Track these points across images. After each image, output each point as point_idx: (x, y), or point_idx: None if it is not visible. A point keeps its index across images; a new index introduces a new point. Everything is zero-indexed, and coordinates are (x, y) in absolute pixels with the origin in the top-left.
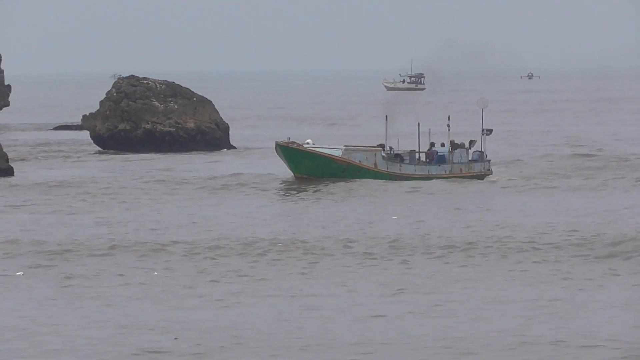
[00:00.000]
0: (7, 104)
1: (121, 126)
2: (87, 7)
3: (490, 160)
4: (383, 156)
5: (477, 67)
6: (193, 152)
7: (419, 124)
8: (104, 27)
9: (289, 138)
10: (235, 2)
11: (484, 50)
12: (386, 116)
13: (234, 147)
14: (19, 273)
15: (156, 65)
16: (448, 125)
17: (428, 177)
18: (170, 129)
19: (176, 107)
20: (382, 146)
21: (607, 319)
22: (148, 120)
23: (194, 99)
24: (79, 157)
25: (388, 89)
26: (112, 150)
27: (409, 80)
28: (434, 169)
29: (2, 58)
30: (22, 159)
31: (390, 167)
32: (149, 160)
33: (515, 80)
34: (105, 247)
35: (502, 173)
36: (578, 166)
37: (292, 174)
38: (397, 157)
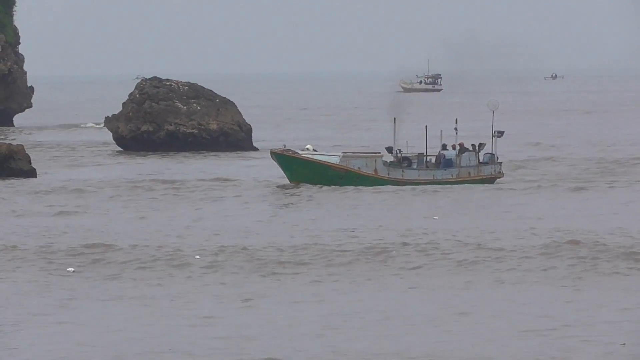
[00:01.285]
0: (29, 106)
1: (144, 128)
2: (110, 8)
3: (501, 162)
4: (384, 162)
5: (498, 68)
6: (217, 153)
7: (426, 126)
8: (127, 29)
9: (285, 145)
10: (258, 6)
11: (503, 49)
12: (394, 118)
13: (256, 149)
14: (70, 269)
15: (179, 67)
16: (456, 129)
17: (433, 182)
18: (193, 130)
19: (199, 108)
20: (390, 149)
21: None
22: (171, 121)
23: (217, 100)
24: (101, 158)
25: (405, 89)
26: (133, 152)
27: (426, 81)
28: (440, 174)
29: (25, 59)
30: (45, 160)
31: (392, 173)
32: (170, 160)
33: (539, 81)
34: (170, 250)
35: (519, 175)
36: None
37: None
38: (405, 161)
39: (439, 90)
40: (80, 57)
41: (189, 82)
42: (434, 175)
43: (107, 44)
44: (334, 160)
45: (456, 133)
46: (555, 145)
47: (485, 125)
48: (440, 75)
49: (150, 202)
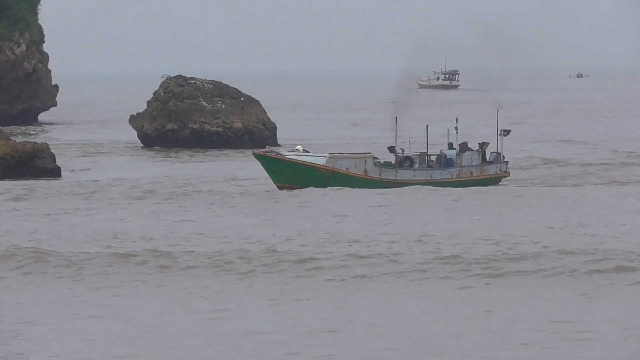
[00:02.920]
0: (54, 104)
1: (168, 126)
2: (135, 7)
3: (508, 162)
4: (375, 162)
5: (518, 65)
6: (243, 150)
7: (427, 126)
8: (152, 27)
9: (267, 147)
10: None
11: (524, 46)
12: (396, 117)
13: (280, 147)
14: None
15: (203, 65)
16: (456, 128)
17: (429, 183)
18: (217, 128)
19: (224, 106)
20: (392, 148)
21: None
22: (195, 120)
23: (242, 98)
24: (126, 156)
25: (421, 86)
26: (158, 150)
27: (443, 78)
28: (438, 174)
29: (50, 58)
30: (69, 159)
31: (384, 173)
32: (195, 158)
33: (563, 79)
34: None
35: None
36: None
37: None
38: (407, 160)
39: (456, 87)
40: (105, 56)
41: (213, 80)
42: (431, 176)
43: (132, 43)
44: (321, 161)
45: (456, 132)
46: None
47: (504, 123)
48: (457, 71)
49: (179, 203)
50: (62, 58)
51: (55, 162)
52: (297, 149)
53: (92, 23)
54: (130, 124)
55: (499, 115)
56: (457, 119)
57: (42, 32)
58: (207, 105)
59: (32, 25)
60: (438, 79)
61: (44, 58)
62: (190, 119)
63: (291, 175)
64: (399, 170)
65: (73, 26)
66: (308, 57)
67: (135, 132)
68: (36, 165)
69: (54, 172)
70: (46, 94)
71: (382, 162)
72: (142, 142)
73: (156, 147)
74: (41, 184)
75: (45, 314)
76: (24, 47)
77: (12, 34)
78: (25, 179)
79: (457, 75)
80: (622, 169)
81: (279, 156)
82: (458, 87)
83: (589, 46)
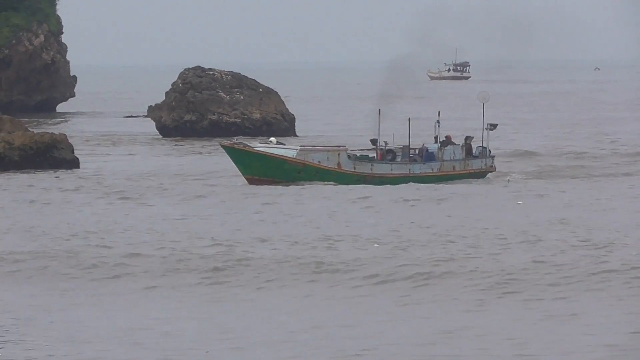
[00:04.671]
0: (73, 95)
1: (187, 117)
2: None
3: (494, 156)
4: (349, 155)
5: (532, 56)
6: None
7: (409, 119)
8: (169, 18)
9: (236, 139)
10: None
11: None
12: (379, 110)
13: (297, 137)
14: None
15: (222, 56)
16: (438, 122)
17: (408, 177)
18: (236, 119)
19: (242, 98)
20: (375, 141)
21: None
22: (214, 111)
23: (260, 89)
24: (144, 147)
25: (432, 78)
26: (176, 141)
27: (453, 69)
28: (418, 167)
29: (68, 48)
30: (87, 150)
31: (359, 167)
32: (213, 149)
33: (588, 71)
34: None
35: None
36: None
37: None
38: (390, 153)
39: (467, 78)
40: (124, 47)
41: (232, 71)
42: (410, 170)
43: (151, 33)
44: (291, 153)
45: (438, 126)
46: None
47: (510, 114)
48: (468, 63)
49: (203, 196)
50: (80, 49)
51: (73, 153)
52: (271, 141)
53: (111, 14)
54: (148, 115)
55: (484, 108)
56: (439, 112)
57: (61, 22)
58: (225, 96)
59: (50, 16)
60: (449, 70)
61: (62, 49)
62: (209, 110)
63: (260, 167)
64: (376, 163)
65: (92, 17)
66: (331, 48)
67: (154, 123)
68: (54, 156)
69: (72, 163)
70: (64, 85)
71: (357, 155)
72: (160, 133)
73: (174, 138)
74: (60, 175)
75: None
76: (42, 38)
77: (31, 25)
78: (43, 170)
79: (468, 67)
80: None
81: (247, 148)
82: (469, 79)
83: (591, 39)
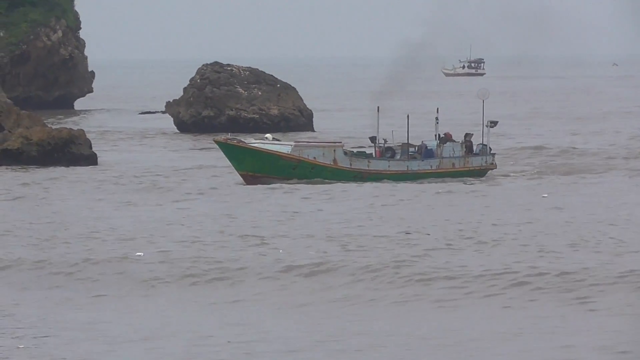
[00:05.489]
0: (90, 90)
1: (205, 113)
2: None
3: (495, 154)
4: (345, 152)
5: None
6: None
7: (408, 115)
8: (188, 13)
9: (229, 134)
10: None
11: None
12: (377, 107)
13: (314, 132)
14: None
15: (240, 51)
16: (436, 119)
17: (406, 174)
18: (254, 115)
19: (260, 93)
20: (374, 139)
21: None
22: (232, 106)
23: (278, 85)
24: (162, 143)
25: (447, 75)
26: (195, 133)
27: (468, 66)
28: (416, 164)
29: (86, 44)
30: (105, 146)
31: (355, 163)
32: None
33: (604, 67)
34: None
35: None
36: None
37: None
38: (389, 151)
39: (481, 75)
40: (141, 42)
41: (249, 67)
42: (408, 167)
43: (168, 29)
44: (286, 149)
45: (437, 123)
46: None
47: (526, 109)
48: (482, 59)
49: (226, 193)
50: (98, 44)
51: (91, 148)
52: (266, 137)
53: (129, 9)
54: (166, 110)
55: (484, 105)
56: (437, 109)
57: (79, 18)
58: (243, 92)
59: (68, 12)
60: (463, 67)
61: (80, 44)
62: (227, 105)
63: (254, 163)
64: (373, 160)
65: (110, 12)
66: (348, 43)
67: (172, 119)
68: (72, 151)
69: (90, 159)
70: (82, 81)
71: (354, 151)
72: (178, 129)
73: (192, 134)
74: (78, 171)
75: None
76: (60, 33)
77: (49, 21)
78: (61, 166)
79: (482, 64)
80: None
81: (241, 144)
82: (484, 75)
83: (609, 34)
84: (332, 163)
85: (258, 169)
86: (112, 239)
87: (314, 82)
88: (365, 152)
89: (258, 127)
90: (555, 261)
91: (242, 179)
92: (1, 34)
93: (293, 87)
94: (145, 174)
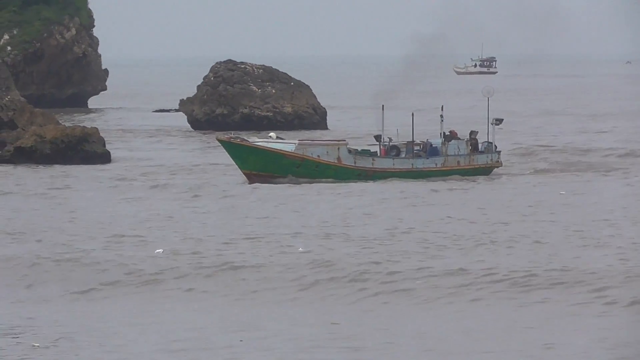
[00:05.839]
0: (104, 88)
1: (218, 110)
2: None
3: (500, 151)
4: (349, 150)
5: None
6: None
7: (412, 114)
8: (201, 10)
9: (232, 133)
10: None
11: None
12: (382, 105)
13: (328, 129)
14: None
15: (253, 50)
16: (441, 116)
17: (411, 172)
18: (267, 113)
19: (273, 91)
20: (379, 137)
21: None
22: (245, 104)
23: (292, 83)
24: (176, 141)
25: (458, 73)
26: (209, 130)
27: (480, 65)
28: (421, 162)
29: (100, 42)
30: (119, 143)
31: (360, 161)
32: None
33: (618, 65)
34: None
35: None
36: None
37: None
38: (394, 149)
39: (494, 73)
40: (155, 40)
41: (263, 65)
42: (412, 165)
43: (182, 26)
44: (290, 148)
45: (442, 120)
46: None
47: (539, 107)
48: (494, 58)
49: (242, 192)
50: (111, 42)
51: (104, 146)
52: (270, 136)
53: (143, 7)
54: (180, 108)
55: (489, 103)
56: (442, 107)
57: (92, 16)
58: (257, 89)
59: (81, 10)
60: (475, 66)
61: (94, 42)
62: (240, 103)
63: (258, 162)
64: (377, 158)
65: (123, 10)
66: (358, 41)
67: (185, 116)
68: (86, 149)
69: (104, 157)
70: (96, 78)
71: (359, 150)
72: (192, 127)
73: (206, 132)
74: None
75: None
76: (73, 31)
77: (62, 19)
78: (74, 164)
79: (494, 62)
80: None
81: (244, 142)
82: (496, 74)
83: (622, 33)
84: (336, 161)
85: (262, 168)
86: (130, 236)
87: (323, 80)
88: (369, 150)
89: (272, 125)
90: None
91: (245, 177)
92: (15, 32)
93: (307, 85)
94: (159, 171)
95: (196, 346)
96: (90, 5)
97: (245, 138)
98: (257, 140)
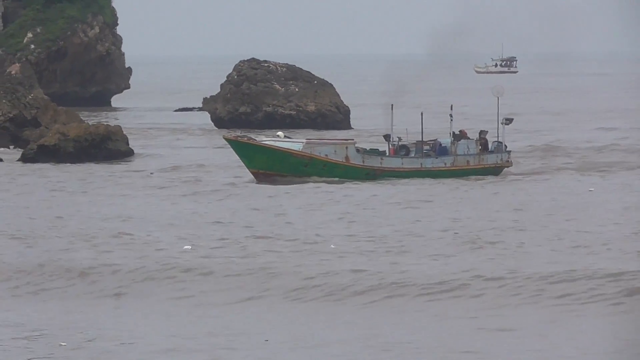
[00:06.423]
0: (127, 87)
1: (242, 109)
2: None
3: (510, 151)
4: (358, 149)
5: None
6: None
7: (422, 113)
8: (225, 9)
9: (240, 131)
10: None
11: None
12: (392, 105)
13: (352, 128)
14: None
15: (277, 48)
16: (450, 115)
17: (419, 171)
18: (291, 112)
19: (297, 90)
20: (388, 137)
21: None
22: (269, 103)
23: (315, 82)
24: (200, 139)
25: (478, 73)
26: (232, 129)
27: (501, 64)
28: (430, 162)
29: (123, 40)
30: (142, 142)
31: (368, 160)
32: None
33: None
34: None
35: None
36: None
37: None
38: (403, 149)
39: (514, 73)
40: (178, 38)
41: (287, 63)
42: (421, 164)
43: (205, 24)
44: (297, 147)
45: (451, 120)
46: None
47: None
48: (515, 58)
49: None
50: (135, 40)
51: (128, 144)
52: (278, 135)
53: (166, 5)
54: (203, 107)
55: (499, 102)
56: (451, 106)
57: (116, 14)
58: (280, 88)
59: (105, 8)
60: (496, 65)
61: (117, 40)
62: (264, 102)
63: (265, 161)
64: (385, 158)
65: (147, 9)
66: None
67: (209, 115)
68: (109, 147)
69: (127, 155)
70: (119, 77)
71: (367, 149)
72: (215, 125)
73: (229, 130)
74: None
75: None
76: (97, 29)
77: (85, 17)
78: (98, 162)
79: (515, 62)
80: None
81: (251, 141)
82: (516, 73)
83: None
84: (344, 160)
85: (269, 167)
86: (158, 234)
87: (347, 78)
88: (378, 149)
89: (295, 123)
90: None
91: (253, 176)
92: (38, 30)
93: (330, 84)
94: (184, 170)
95: (217, 346)
96: (114, 4)
97: (253, 137)
98: (265, 139)
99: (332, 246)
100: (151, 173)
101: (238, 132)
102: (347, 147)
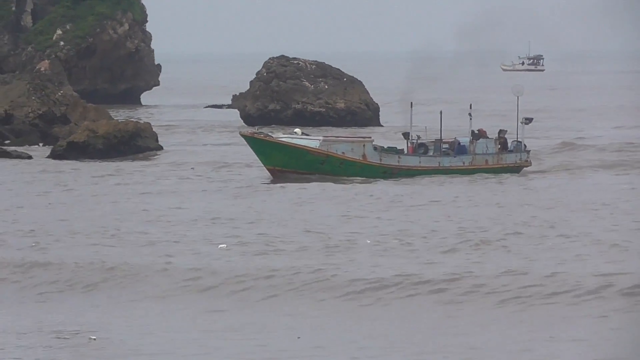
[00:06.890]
0: (157, 84)
1: (271, 106)
2: None
3: (530, 150)
4: (375, 147)
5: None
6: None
7: (441, 112)
8: (254, 6)
9: (257, 128)
10: None
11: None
12: (411, 103)
13: (382, 126)
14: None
15: (307, 46)
16: (470, 114)
17: (437, 170)
18: (320, 109)
19: (326, 87)
20: (407, 135)
21: None
22: (298, 100)
23: (344, 79)
24: (229, 136)
25: (505, 71)
26: (261, 126)
27: (528, 63)
28: (448, 161)
29: (152, 37)
30: (172, 138)
31: (385, 158)
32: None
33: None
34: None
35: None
36: None
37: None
38: (422, 147)
39: (541, 71)
40: (208, 35)
41: (316, 60)
42: (439, 163)
43: (235, 22)
44: (314, 144)
45: (470, 118)
46: None
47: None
48: (542, 56)
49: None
50: (165, 37)
51: (157, 141)
52: (295, 132)
53: (196, 2)
54: (233, 104)
55: (519, 102)
56: (470, 105)
57: (145, 11)
58: (309, 85)
59: (134, 5)
60: (522, 63)
61: (147, 37)
62: (293, 99)
63: (282, 158)
64: (403, 156)
65: (176, 5)
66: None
67: (238, 112)
68: (138, 144)
69: (157, 151)
70: (149, 74)
71: (385, 147)
72: (244, 122)
73: (259, 127)
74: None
75: None
76: (126, 26)
77: (115, 14)
78: (127, 159)
79: (542, 60)
80: None
81: (268, 138)
82: (543, 71)
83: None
84: (361, 158)
85: (286, 164)
86: (191, 231)
87: (376, 76)
88: (396, 147)
89: (324, 120)
90: None
91: (269, 173)
92: (68, 27)
93: (359, 81)
94: (214, 167)
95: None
96: (143, 1)
97: (269, 133)
98: (282, 135)
99: (367, 241)
100: (192, 168)
101: (255, 129)
102: (364, 145)
